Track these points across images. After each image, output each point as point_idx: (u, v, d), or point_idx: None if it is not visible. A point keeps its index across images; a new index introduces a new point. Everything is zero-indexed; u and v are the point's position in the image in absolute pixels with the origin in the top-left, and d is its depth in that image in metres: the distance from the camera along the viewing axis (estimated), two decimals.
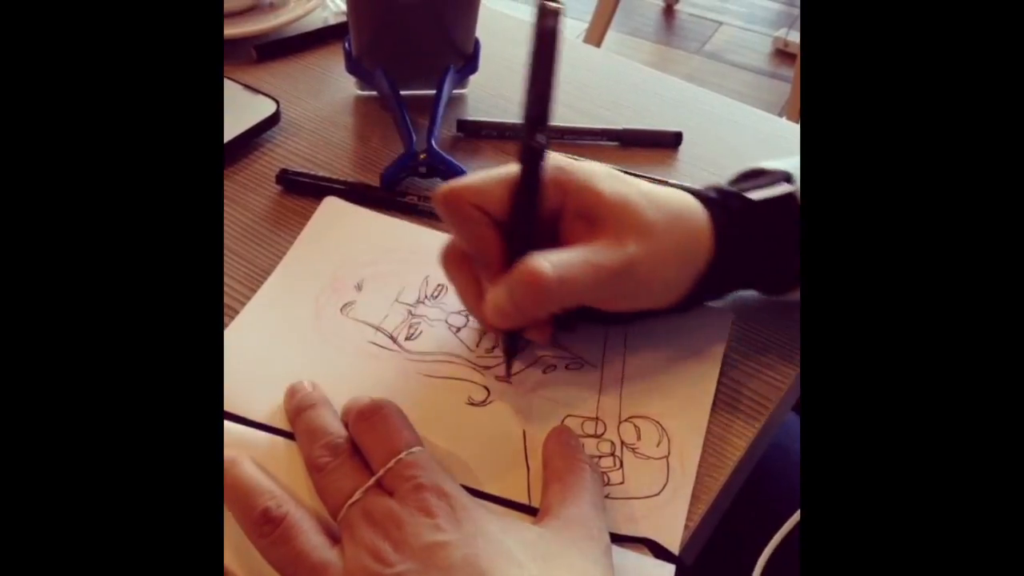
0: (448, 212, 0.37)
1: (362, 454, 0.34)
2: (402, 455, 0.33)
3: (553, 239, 0.38)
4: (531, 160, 0.36)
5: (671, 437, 0.38)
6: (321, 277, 0.44)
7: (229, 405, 0.37)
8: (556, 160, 0.38)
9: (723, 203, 0.40)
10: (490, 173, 0.37)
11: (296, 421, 0.36)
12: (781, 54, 2.13)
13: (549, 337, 0.40)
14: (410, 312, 0.43)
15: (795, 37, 2.10)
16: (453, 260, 0.39)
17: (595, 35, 1.90)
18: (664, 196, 0.39)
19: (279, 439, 0.37)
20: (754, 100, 1.93)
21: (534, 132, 0.36)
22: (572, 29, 2.14)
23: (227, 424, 0.37)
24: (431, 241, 0.47)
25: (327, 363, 0.40)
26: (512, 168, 0.37)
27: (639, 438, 0.38)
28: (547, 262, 0.35)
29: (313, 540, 0.31)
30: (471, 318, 0.43)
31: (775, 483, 0.51)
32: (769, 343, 0.44)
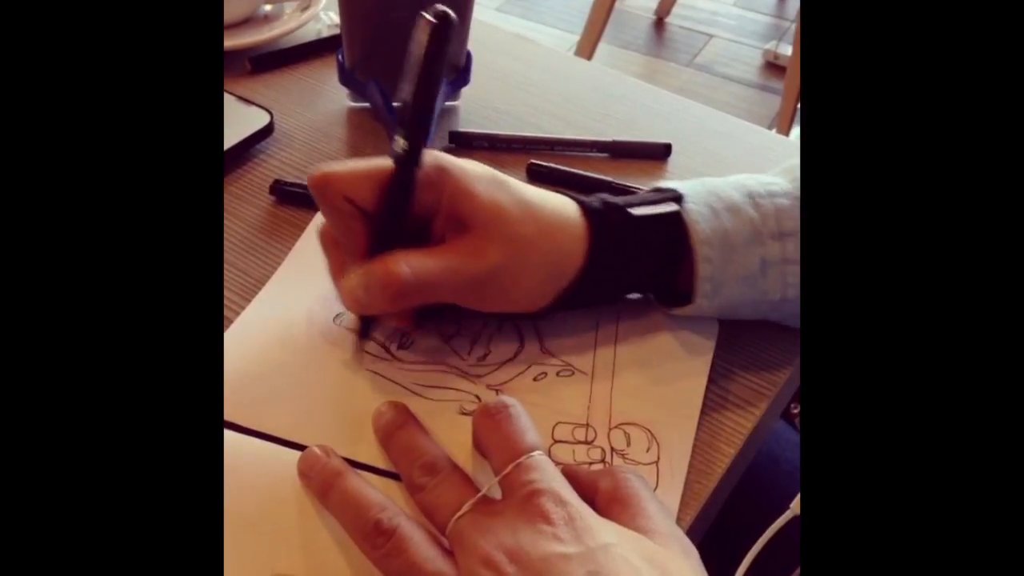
0: (319, 198, 0.38)
1: (461, 470, 0.35)
2: (521, 459, 0.33)
3: (425, 233, 0.39)
4: (401, 167, 0.37)
5: (660, 443, 0.39)
6: (315, 288, 0.44)
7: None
8: (437, 159, 0.38)
9: (604, 215, 0.40)
10: (367, 164, 0.38)
11: (388, 443, 0.37)
12: (771, 66, 2.15)
13: (410, 323, 0.41)
14: None
15: (785, 50, 2.12)
16: (326, 240, 0.40)
17: (586, 48, 1.91)
18: (542, 206, 0.39)
19: (269, 445, 0.37)
20: (744, 112, 1.94)
21: (404, 139, 0.36)
22: (564, 42, 2.15)
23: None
24: None
25: (320, 373, 0.40)
26: (388, 163, 0.37)
27: (629, 444, 0.39)
28: (406, 264, 0.35)
29: (426, 551, 0.31)
30: (463, 325, 0.43)
31: (764, 489, 0.52)
32: (756, 350, 0.44)
